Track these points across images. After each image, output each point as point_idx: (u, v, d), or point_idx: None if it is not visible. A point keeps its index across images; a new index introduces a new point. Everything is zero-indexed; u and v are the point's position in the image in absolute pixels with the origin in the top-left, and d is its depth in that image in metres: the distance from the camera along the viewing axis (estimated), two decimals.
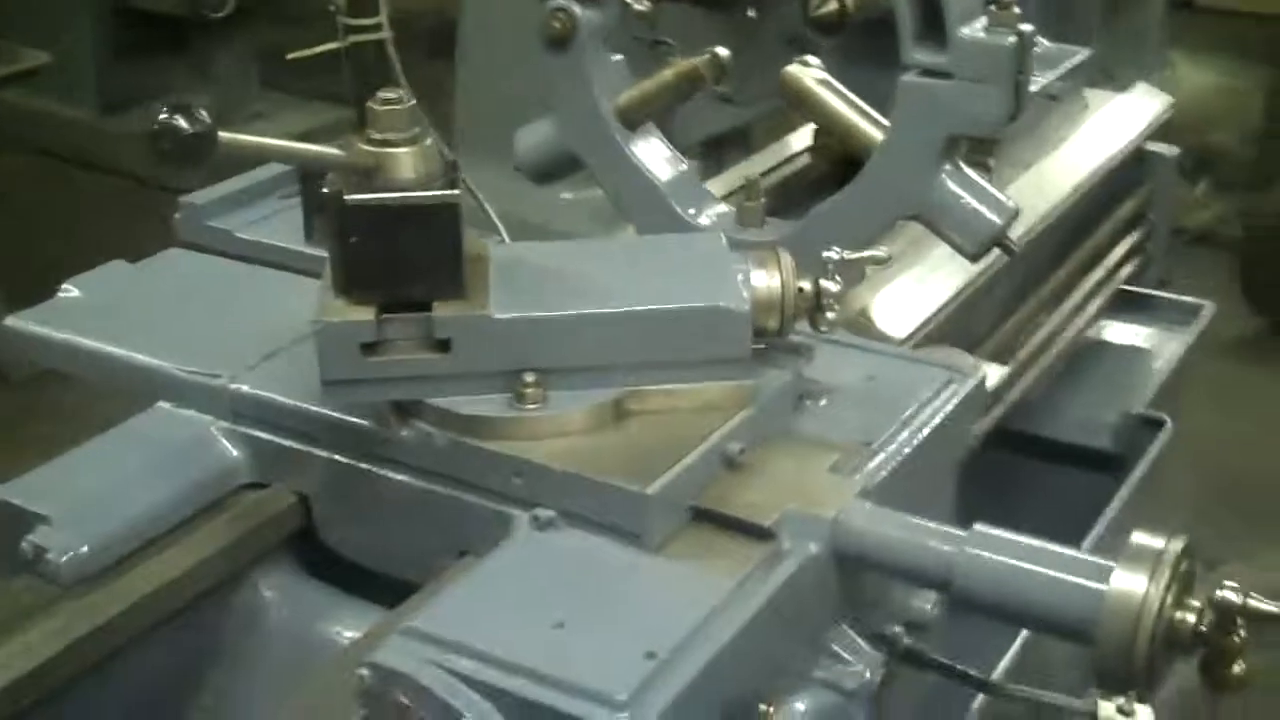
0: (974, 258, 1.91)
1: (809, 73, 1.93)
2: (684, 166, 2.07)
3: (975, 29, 1.77)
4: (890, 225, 1.94)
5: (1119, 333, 2.85)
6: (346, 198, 1.35)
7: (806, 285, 1.50)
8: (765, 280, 1.48)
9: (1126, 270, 2.77)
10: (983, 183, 1.87)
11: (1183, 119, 5.86)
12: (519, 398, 1.41)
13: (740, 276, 1.47)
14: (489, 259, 1.47)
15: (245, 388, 1.52)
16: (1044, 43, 2.65)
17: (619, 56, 2.06)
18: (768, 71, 2.14)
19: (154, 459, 1.50)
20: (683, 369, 1.45)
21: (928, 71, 1.80)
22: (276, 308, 1.65)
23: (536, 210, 3.20)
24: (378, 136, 1.36)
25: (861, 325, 1.89)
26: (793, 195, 2.16)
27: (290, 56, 1.89)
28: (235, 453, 1.51)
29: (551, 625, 1.20)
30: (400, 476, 1.46)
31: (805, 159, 2.31)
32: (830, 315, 1.52)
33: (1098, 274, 2.62)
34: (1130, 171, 2.72)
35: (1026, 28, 1.78)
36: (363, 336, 1.37)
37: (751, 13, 2.28)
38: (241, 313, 1.68)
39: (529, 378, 1.40)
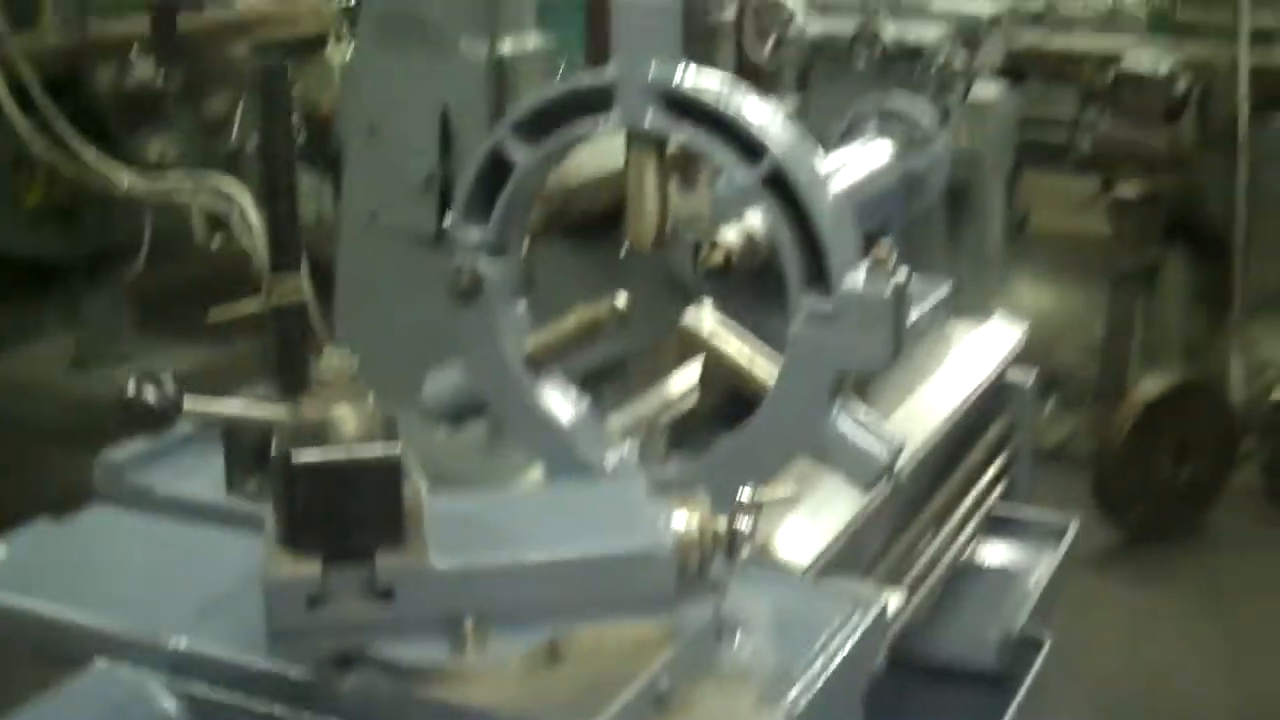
0: (865, 489, 2.03)
1: (707, 317, 2.06)
2: (587, 410, 2.18)
3: (856, 278, 1.93)
4: (787, 460, 2.06)
5: (991, 553, 2.99)
6: (293, 458, 1.42)
7: (722, 526, 1.60)
8: (685, 523, 1.57)
9: (997, 492, 2.93)
10: (869, 418, 2.01)
11: (1027, 340, 6.21)
12: (459, 644, 1.46)
13: (662, 520, 1.56)
14: (423, 509, 1.54)
15: (184, 643, 1.55)
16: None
17: (523, 305, 2.18)
18: (649, 309, 2.28)
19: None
20: (612, 610, 1.52)
21: (815, 317, 1.95)
22: (205, 562, 1.70)
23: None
24: (323, 396, 1.44)
25: (764, 555, 1.98)
26: (688, 432, 2.28)
27: (212, 318, 1.96)
28: (175, 709, 1.53)
29: None
30: None
31: (694, 395, 2.43)
32: (744, 552, 1.62)
33: (971, 497, 2.77)
34: (993, 398, 2.90)
35: (903, 273, 1.94)
36: (309, 589, 1.43)
37: (621, 254, 2.43)
38: (171, 568, 1.72)
39: (468, 625, 1.46)
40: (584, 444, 2.14)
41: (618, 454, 2.14)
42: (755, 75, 7.57)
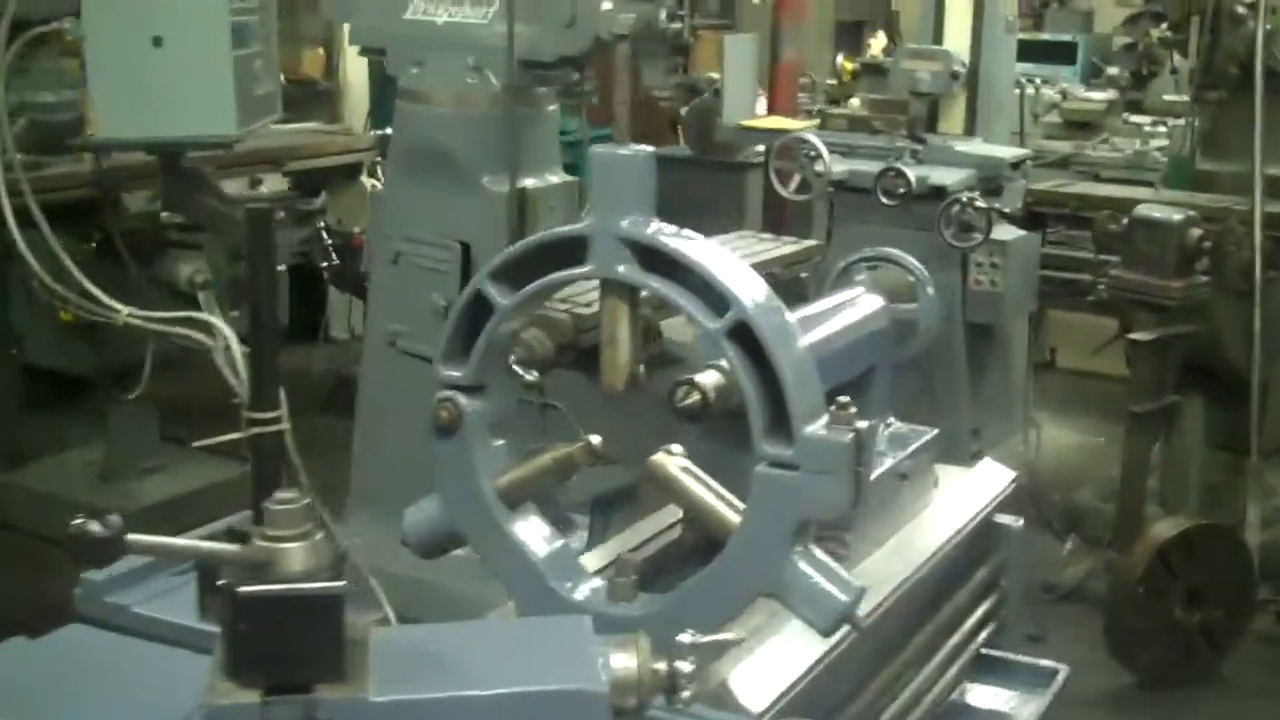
0: (825, 633, 2.07)
1: (672, 461, 2.12)
2: (560, 543, 2.24)
3: (818, 426, 1.99)
4: (749, 602, 2.10)
5: (980, 696, 3.00)
6: (237, 590, 1.48)
7: (662, 666, 1.65)
8: (624, 662, 1.62)
9: (983, 635, 2.94)
10: (831, 563, 2.06)
11: (1049, 477, 6.22)
12: None
13: (600, 660, 1.61)
14: (368, 642, 1.60)
15: None
16: (895, 423, 2.90)
17: (501, 441, 2.25)
18: (653, 434, 2.35)
19: None
20: None
21: (777, 463, 2.00)
22: (173, 684, 1.75)
23: (428, 568, 3.31)
24: (271, 533, 1.51)
25: (721, 697, 2.02)
26: (665, 568, 2.32)
27: (196, 445, 2.04)
28: None
29: None
30: None
31: (677, 531, 2.48)
32: (685, 694, 1.66)
33: (955, 639, 2.79)
34: (982, 541, 2.93)
35: (863, 424, 2.00)
36: (248, 718, 1.48)
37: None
38: (140, 691, 1.78)
39: None
40: (554, 578, 2.20)
41: (587, 589, 2.20)
42: (782, 211, 7.74)
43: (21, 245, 1.99)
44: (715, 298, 1.99)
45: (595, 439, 2.18)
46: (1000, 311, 6.12)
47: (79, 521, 1.36)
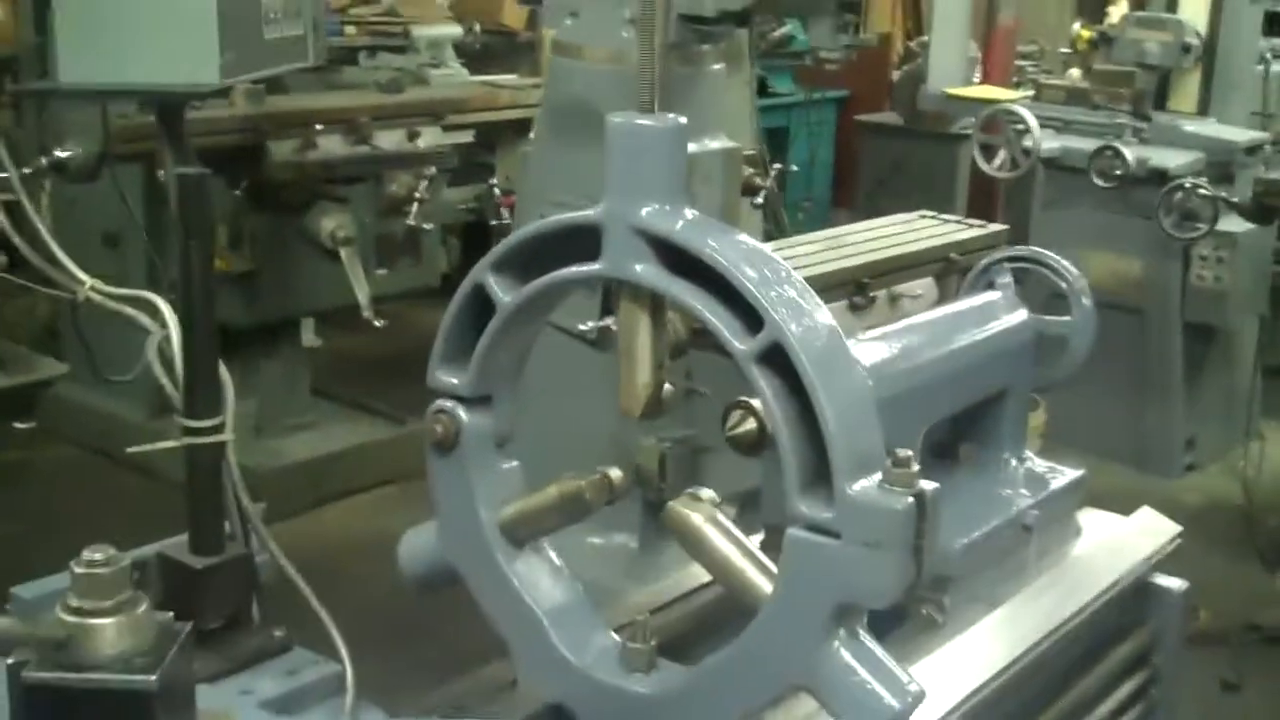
0: None
1: (699, 509, 1.72)
2: (572, 594, 1.87)
3: (866, 485, 1.56)
4: (778, 692, 1.69)
5: None
6: (25, 673, 1.16)
7: None
8: None
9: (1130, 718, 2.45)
10: (881, 656, 1.62)
11: (1269, 497, 5.53)
12: None
13: None
14: None
15: None
16: (1032, 459, 2.44)
17: (512, 464, 1.88)
18: None
19: None
20: None
21: (815, 527, 1.58)
22: None
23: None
24: (74, 604, 1.18)
25: None
26: (696, 632, 1.93)
27: (130, 453, 1.74)
28: None
29: None
30: None
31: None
32: None
33: None
34: (1132, 607, 2.44)
35: (927, 486, 1.56)
36: None
37: None
38: None
39: None
40: (560, 633, 1.82)
41: (597, 649, 1.82)
42: (992, 190, 7.14)
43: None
44: (748, 311, 1.58)
45: (616, 472, 1.80)
46: (1224, 311, 5.49)
47: None
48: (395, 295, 5.24)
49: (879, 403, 1.61)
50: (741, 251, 1.60)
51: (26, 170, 3.06)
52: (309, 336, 5.59)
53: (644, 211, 1.63)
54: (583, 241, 1.69)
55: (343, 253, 4.74)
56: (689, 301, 1.61)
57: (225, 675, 1.63)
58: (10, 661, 1.17)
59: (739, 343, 1.58)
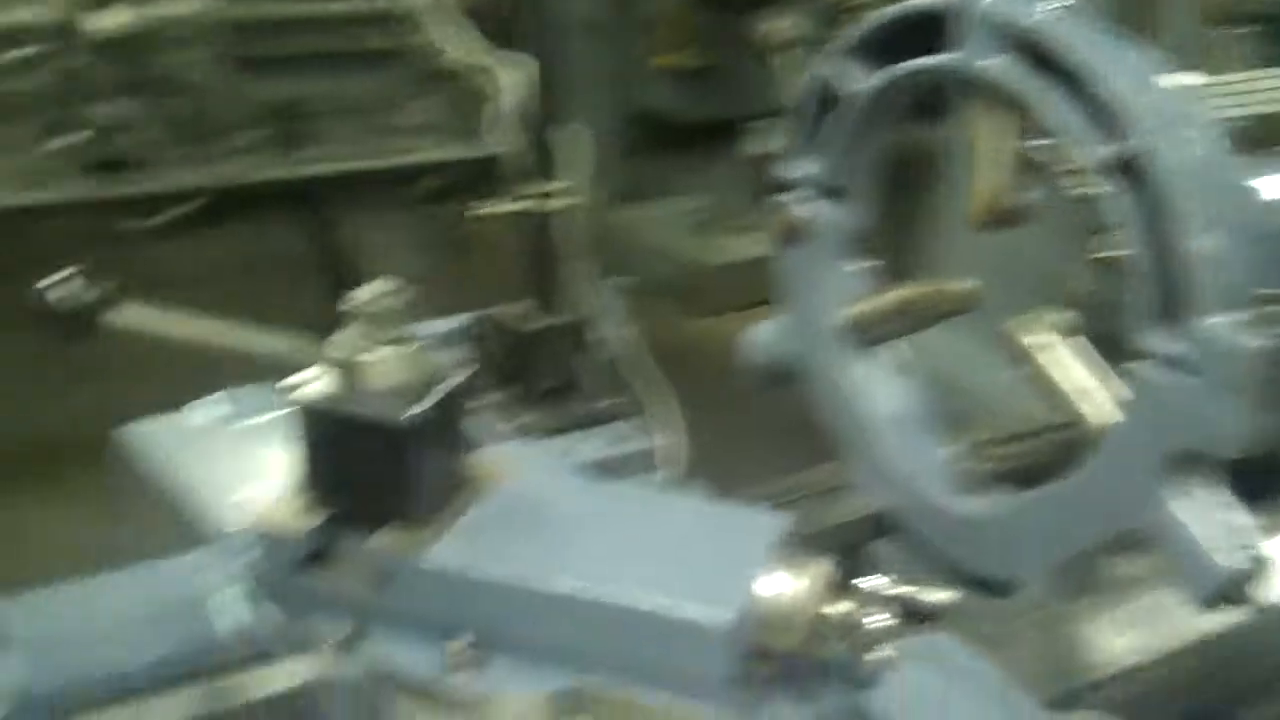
0: (1203, 606, 1.49)
1: (1036, 330, 1.59)
2: (913, 404, 1.78)
3: (1223, 320, 1.38)
4: (1109, 534, 1.56)
5: None
6: (304, 399, 1.22)
7: (842, 612, 1.21)
8: (781, 594, 1.20)
9: None
10: (1226, 513, 1.46)
11: None
12: (448, 662, 1.21)
13: (748, 583, 1.20)
14: (483, 490, 1.29)
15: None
16: None
17: (863, 263, 1.80)
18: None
19: (155, 611, 1.41)
20: (648, 678, 1.20)
21: (1161, 362, 1.42)
22: None
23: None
24: (353, 335, 1.22)
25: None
26: (1036, 466, 1.81)
27: (468, 215, 1.77)
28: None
29: None
30: None
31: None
32: (876, 655, 1.21)
33: None
34: None
35: None
36: (294, 545, 1.23)
37: None
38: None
39: (458, 644, 1.21)
40: (896, 444, 1.76)
41: (933, 461, 1.74)
42: None
43: None
44: (1111, 117, 1.41)
45: (971, 283, 1.69)
46: None
47: (60, 277, 1.13)
48: None
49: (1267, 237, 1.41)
50: (1114, 51, 1.43)
51: None
52: (758, 141, 5.56)
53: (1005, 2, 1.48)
54: (929, 31, 1.56)
55: (777, 58, 4.64)
56: (1042, 101, 1.46)
57: (549, 436, 1.66)
58: (290, 383, 1.24)
59: (1093, 148, 1.42)
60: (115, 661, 1.37)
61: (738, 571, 1.21)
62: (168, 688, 1.38)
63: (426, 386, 1.23)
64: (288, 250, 3.98)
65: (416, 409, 1.20)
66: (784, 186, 1.78)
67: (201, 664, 1.38)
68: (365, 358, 1.22)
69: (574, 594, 1.19)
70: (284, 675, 1.37)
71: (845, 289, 1.79)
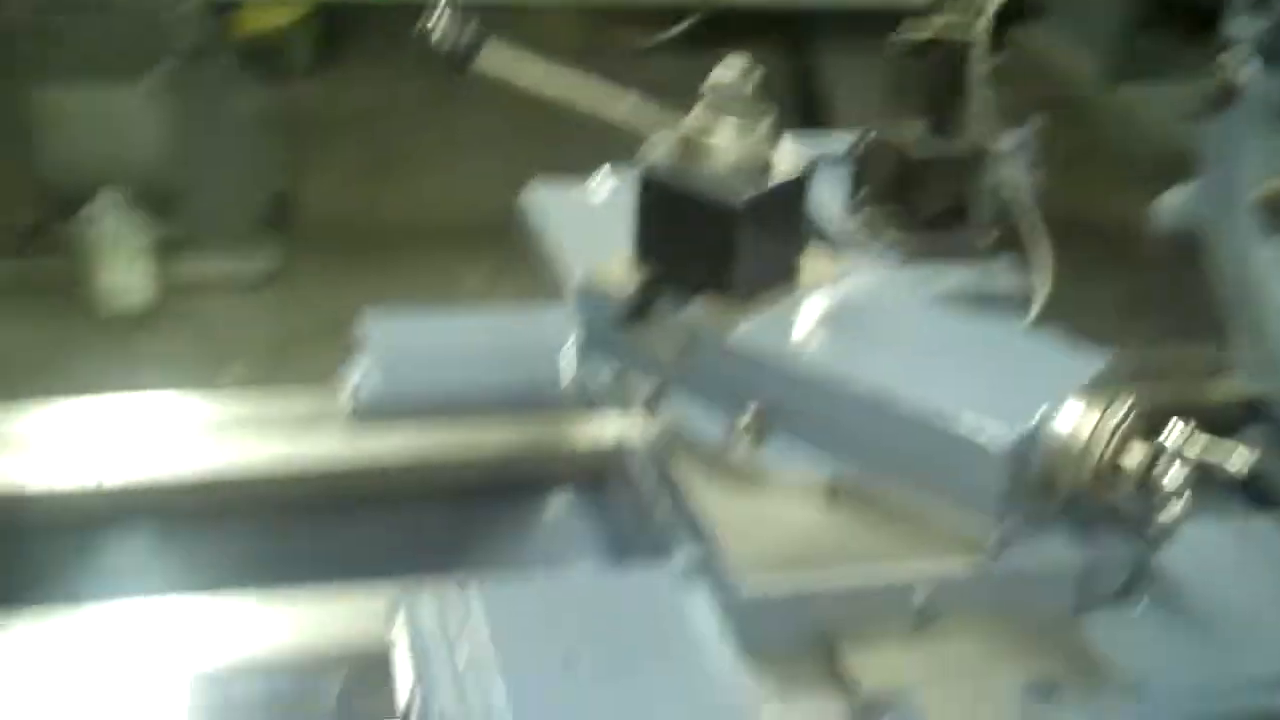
0: None
1: None
2: None
3: None
4: None
5: None
6: (645, 169, 1.29)
7: (1135, 460, 1.16)
8: (1072, 422, 1.17)
9: None
10: None
11: None
12: (735, 429, 1.27)
13: (1046, 410, 1.17)
14: (809, 284, 1.32)
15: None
16: None
17: None
18: None
19: (503, 347, 1.54)
20: (918, 481, 1.21)
21: None
22: None
23: None
24: (701, 114, 1.27)
25: None
26: None
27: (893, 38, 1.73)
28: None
29: None
30: None
31: None
32: (1176, 504, 1.17)
33: None
34: None
35: None
36: (615, 302, 1.31)
37: None
38: None
39: (747, 415, 1.26)
40: None
41: None
42: None
43: None
44: None
45: None
46: None
47: (437, 14, 1.23)
48: None
49: None
50: None
51: None
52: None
53: None
54: None
55: None
56: None
57: (922, 262, 1.65)
58: (643, 153, 1.30)
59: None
60: (461, 380, 1.52)
61: (1035, 399, 1.19)
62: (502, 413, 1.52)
63: (764, 173, 1.27)
64: (764, 81, 4.05)
65: (750, 193, 1.25)
66: (1225, 45, 1.66)
67: (536, 402, 1.51)
68: (710, 138, 1.26)
69: (867, 389, 1.20)
70: (600, 429, 1.48)
71: (1268, 164, 1.66)
